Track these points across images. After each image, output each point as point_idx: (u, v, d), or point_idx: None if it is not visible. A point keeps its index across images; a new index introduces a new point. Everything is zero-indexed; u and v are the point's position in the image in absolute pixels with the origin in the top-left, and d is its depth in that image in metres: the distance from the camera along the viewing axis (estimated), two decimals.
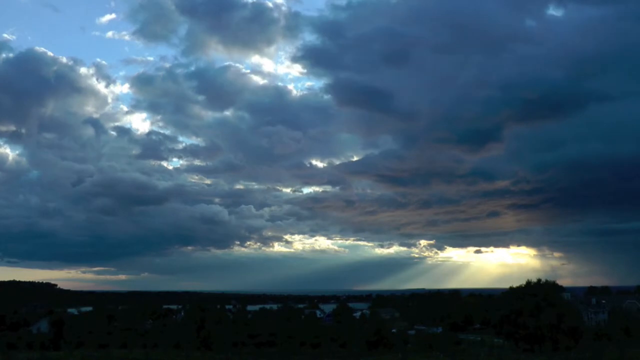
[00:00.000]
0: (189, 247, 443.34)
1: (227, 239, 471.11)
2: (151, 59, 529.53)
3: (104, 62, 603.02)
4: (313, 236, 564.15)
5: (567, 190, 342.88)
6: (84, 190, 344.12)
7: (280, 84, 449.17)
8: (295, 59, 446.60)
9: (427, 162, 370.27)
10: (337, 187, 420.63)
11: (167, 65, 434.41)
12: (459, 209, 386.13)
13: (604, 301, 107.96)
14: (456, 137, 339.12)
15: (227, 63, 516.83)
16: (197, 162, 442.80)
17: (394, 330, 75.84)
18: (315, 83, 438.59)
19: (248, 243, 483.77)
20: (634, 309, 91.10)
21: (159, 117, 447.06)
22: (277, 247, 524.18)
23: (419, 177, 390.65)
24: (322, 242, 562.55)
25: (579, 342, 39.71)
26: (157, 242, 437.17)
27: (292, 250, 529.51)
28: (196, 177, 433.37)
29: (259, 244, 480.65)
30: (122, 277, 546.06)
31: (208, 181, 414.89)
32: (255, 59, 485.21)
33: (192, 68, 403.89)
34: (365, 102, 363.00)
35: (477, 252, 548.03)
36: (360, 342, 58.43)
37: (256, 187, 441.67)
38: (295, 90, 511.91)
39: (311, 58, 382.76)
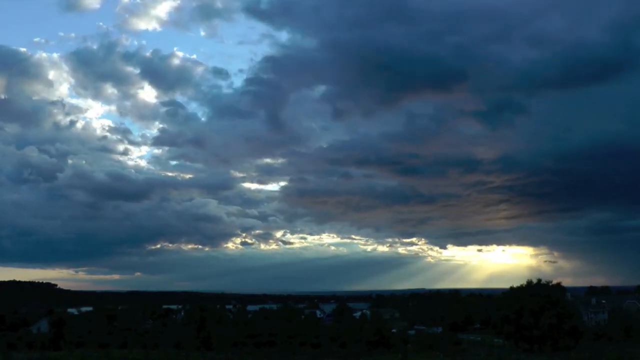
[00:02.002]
0: (177, 245, 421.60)
1: (217, 236, 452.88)
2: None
3: (44, 40, 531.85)
4: (309, 233, 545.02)
5: (583, 180, 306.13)
6: (58, 185, 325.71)
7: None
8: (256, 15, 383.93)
9: (433, 146, 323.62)
10: (332, 178, 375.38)
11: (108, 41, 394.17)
12: (461, 204, 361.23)
13: (604, 301, 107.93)
14: (468, 109, 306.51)
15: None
16: (171, 153, 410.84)
17: (394, 330, 75.84)
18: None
19: (236, 240, 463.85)
20: (634, 309, 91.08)
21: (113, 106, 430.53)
22: (270, 245, 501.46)
23: (422, 165, 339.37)
24: (313, 240, 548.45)
25: (579, 342, 39.74)
26: (143, 239, 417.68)
27: (281, 247, 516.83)
28: (174, 170, 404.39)
29: (254, 241, 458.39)
30: (116, 276, 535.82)
31: (189, 175, 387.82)
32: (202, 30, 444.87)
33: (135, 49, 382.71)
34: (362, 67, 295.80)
35: (479, 250, 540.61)
36: (360, 342, 58.44)
37: (231, 178, 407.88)
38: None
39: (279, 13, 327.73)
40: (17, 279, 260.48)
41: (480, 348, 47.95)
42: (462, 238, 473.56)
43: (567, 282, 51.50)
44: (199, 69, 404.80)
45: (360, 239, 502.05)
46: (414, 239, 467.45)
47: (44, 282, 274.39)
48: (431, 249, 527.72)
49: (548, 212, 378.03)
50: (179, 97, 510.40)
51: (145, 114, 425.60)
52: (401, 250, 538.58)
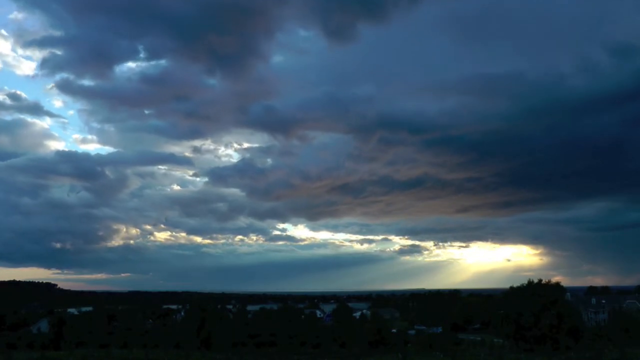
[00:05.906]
0: (154, 238, 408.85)
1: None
2: None
3: None
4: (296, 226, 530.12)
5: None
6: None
7: None
8: None
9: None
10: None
11: None
12: (461, 196, 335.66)
13: (604, 301, 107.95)
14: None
15: None
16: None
17: (394, 330, 75.88)
18: None
19: (219, 236, 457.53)
20: (634, 309, 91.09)
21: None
22: (260, 241, 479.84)
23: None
24: (300, 234, 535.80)
25: (579, 342, 39.73)
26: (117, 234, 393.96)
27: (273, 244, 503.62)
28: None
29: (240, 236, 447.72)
30: (102, 276, 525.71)
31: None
32: None
33: None
34: None
35: (477, 248, 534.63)
36: (360, 342, 58.45)
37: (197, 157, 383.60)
38: None
39: None
40: (18, 279, 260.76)
41: (480, 348, 47.95)
42: (463, 235, 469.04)
43: (566, 282, 51.46)
44: None
45: (349, 234, 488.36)
46: (417, 235, 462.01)
47: (44, 282, 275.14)
48: (436, 247, 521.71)
49: (553, 205, 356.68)
50: None
51: None
52: (400, 247, 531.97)
